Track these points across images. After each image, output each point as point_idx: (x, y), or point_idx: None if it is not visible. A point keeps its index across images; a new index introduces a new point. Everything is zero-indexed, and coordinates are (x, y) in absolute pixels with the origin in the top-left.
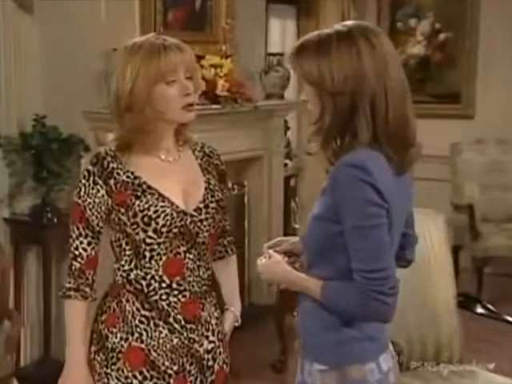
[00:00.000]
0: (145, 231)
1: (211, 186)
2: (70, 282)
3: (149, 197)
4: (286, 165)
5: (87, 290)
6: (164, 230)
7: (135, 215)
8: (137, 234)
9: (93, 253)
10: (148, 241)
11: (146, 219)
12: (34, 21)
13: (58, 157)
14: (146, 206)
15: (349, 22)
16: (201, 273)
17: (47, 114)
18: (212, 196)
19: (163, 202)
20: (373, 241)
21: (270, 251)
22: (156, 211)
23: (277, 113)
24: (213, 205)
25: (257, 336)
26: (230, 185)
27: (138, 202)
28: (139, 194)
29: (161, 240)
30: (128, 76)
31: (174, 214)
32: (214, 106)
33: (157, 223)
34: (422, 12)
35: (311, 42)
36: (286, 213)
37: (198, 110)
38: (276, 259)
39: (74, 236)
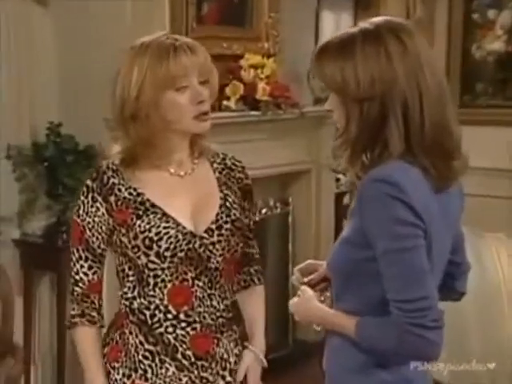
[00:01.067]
0: (147, 255)
1: (228, 204)
2: (74, 309)
3: (151, 216)
4: (337, 180)
5: (94, 314)
6: (168, 254)
7: (136, 237)
8: (138, 258)
9: (95, 278)
10: (151, 266)
11: (147, 242)
12: (47, 14)
13: (74, 170)
14: (148, 226)
15: (377, 19)
16: (214, 302)
17: (63, 121)
18: (227, 215)
19: (167, 222)
20: (408, 266)
21: (303, 287)
22: (158, 233)
23: (327, 120)
24: (227, 226)
25: (301, 378)
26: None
27: (138, 222)
28: (141, 213)
29: (165, 265)
30: (134, 80)
31: (180, 236)
32: (254, 113)
33: (159, 246)
34: (502, 1)
35: (333, 43)
36: (338, 235)
37: (236, 118)
38: (307, 296)
39: (73, 259)
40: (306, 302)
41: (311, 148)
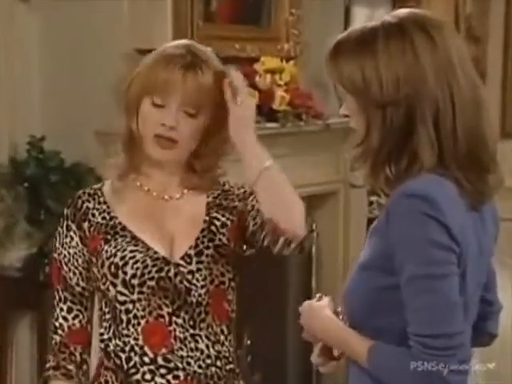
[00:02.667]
0: (114, 285)
1: (213, 228)
2: (49, 361)
3: (119, 240)
4: (370, 203)
5: (71, 367)
6: (135, 282)
7: (103, 264)
8: (108, 289)
9: (76, 323)
10: (120, 298)
11: (112, 268)
12: (31, 11)
13: (60, 192)
14: (114, 251)
15: (401, 12)
16: (201, 345)
17: (46, 134)
18: (210, 240)
19: (135, 245)
20: (438, 296)
21: (319, 294)
22: (123, 257)
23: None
24: (208, 251)
25: None
26: None
27: (106, 248)
28: (109, 237)
29: (134, 297)
30: (133, 73)
31: (148, 261)
32: (270, 125)
33: (125, 273)
34: None
35: (351, 38)
36: None
37: None
38: (321, 303)
39: (55, 303)
40: (319, 311)
41: (339, 166)
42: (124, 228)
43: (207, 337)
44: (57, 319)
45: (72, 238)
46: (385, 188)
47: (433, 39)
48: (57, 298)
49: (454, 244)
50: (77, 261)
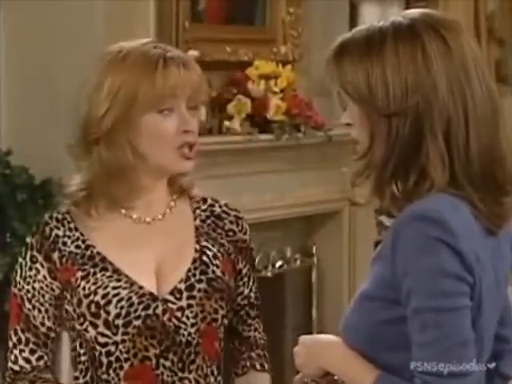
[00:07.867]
0: (95, 326)
1: (205, 258)
2: None
3: (99, 275)
4: (379, 223)
5: (46, 376)
6: (119, 322)
7: (80, 303)
8: (86, 330)
9: (41, 364)
10: (101, 340)
11: (93, 308)
12: None
13: (28, 212)
14: (93, 288)
15: (412, 12)
16: None
17: (13, 148)
18: (202, 272)
19: (118, 281)
20: (447, 330)
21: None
22: (105, 295)
23: None
24: (201, 285)
25: None
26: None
27: (83, 284)
28: (87, 271)
29: (117, 338)
30: (104, 95)
31: (134, 299)
32: (264, 137)
33: (107, 313)
34: None
35: (357, 40)
36: None
37: (242, 143)
38: (330, 336)
39: (10, 345)
40: (328, 340)
41: (343, 182)
42: (103, 259)
43: (196, 380)
44: (15, 361)
45: (38, 271)
46: (391, 208)
47: (447, 44)
48: (14, 339)
49: (468, 274)
50: (43, 297)
